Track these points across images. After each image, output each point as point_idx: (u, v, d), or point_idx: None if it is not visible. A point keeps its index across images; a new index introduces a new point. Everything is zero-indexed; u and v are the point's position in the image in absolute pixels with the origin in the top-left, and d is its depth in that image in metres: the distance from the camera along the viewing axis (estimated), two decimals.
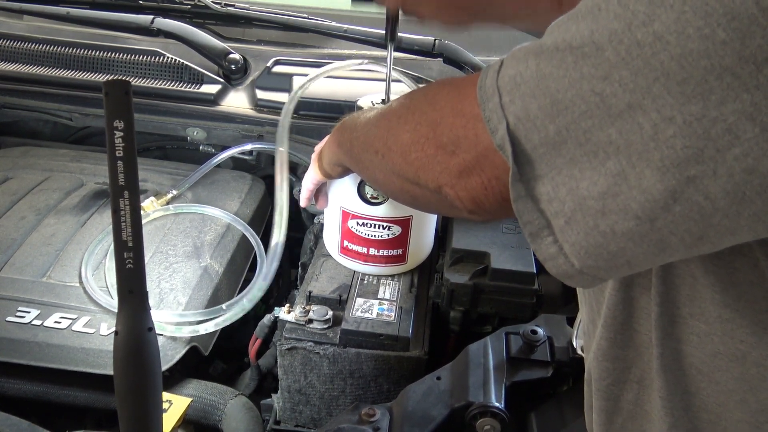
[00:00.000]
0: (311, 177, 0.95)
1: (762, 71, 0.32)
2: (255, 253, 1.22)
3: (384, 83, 1.00)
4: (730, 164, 0.34)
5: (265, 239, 1.18)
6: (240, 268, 1.19)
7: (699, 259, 0.45)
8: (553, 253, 0.43)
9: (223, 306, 1.00)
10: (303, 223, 1.33)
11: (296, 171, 1.41)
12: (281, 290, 1.39)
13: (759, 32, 0.31)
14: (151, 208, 1.18)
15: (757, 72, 0.32)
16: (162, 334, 0.95)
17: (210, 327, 0.97)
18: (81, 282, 1.01)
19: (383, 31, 0.95)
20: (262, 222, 1.33)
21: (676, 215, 0.37)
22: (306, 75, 1.32)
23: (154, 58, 1.39)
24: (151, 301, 0.92)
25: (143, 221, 1.13)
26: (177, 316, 0.98)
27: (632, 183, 0.37)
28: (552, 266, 0.44)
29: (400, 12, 0.91)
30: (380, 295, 1.00)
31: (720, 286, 0.45)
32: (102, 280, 1.03)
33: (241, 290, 1.17)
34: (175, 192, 1.24)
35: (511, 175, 0.43)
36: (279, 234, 0.94)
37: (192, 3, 1.45)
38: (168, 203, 1.22)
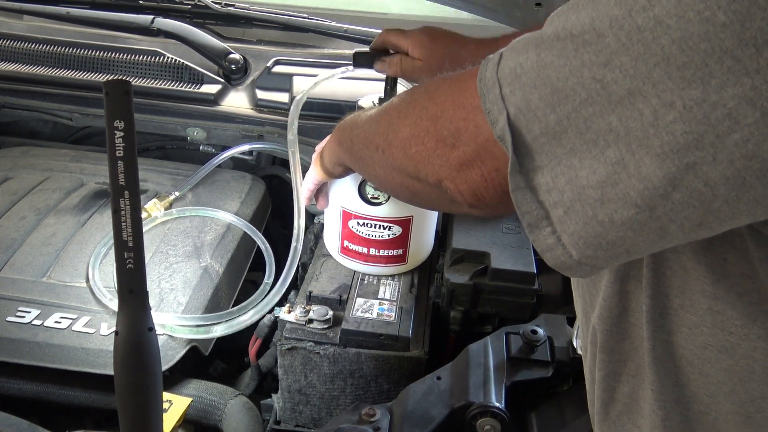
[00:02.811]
0: (312, 177, 0.95)
1: (762, 54, 0.32)
2: (257, 253, 1.23)
3: (384, 84, 1.00)
4: (730, 150, 0.34)
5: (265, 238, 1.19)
6: (240, 268, 1.19)
7: (690, 250, 0.45)
8: (551, 244, 0.43)
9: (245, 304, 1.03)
10: None
11: None
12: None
13: (759, 14, 0.31)
14: (154, 209, 1.17)
15: (758, 55, 0.32)
16: (163, 333, 0.95)
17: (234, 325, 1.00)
18: (87, 282, 1.01)
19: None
20: (262, 222, 1.33)
21: (675, 203, 0.37)
22: (306, 75, 1.33)
23: (154, 58, 1.39)
24: (152, 301, 0.91)
25: (151, 225, 1.14)
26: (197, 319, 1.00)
27: (631, 171, 0.37)
28: (550, 257, 0.44)
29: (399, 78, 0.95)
30: (380, 295, 1.00)
31: (711, 278, 0.45)
32: (107, 281, 1.02)
33: (241, 290, 1.17)
34: (177, 193, 1.24)
35: (510, 165, 0.43)
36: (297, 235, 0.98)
37: (192, 3, 1.45)
38: (171, 204, 1.22)
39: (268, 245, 1.16)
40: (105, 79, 0.78)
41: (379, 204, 0.97)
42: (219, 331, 0.98)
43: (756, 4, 0.31)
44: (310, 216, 1.29)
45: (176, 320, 0.98)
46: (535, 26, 0.44)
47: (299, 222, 1.02)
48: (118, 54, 1.41)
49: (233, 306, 1.12)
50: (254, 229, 1.20)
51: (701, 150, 0.35)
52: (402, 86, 1.11)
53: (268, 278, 1.08)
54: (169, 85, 1.38)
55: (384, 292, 1.01)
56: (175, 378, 0.96)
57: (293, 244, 1.03)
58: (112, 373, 0.59)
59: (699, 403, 0.50)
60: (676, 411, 0.51)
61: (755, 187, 0.35)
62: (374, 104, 1.01)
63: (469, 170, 0.49)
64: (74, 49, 1.42)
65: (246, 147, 1.33)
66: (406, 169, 0.56)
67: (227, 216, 1.20)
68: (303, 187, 0.98)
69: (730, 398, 0.48)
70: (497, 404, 0.77)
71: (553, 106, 0.40)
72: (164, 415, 0.83)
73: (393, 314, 0.95)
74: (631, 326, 0.53)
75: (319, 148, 0.93)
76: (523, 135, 0.42)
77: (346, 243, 1.03)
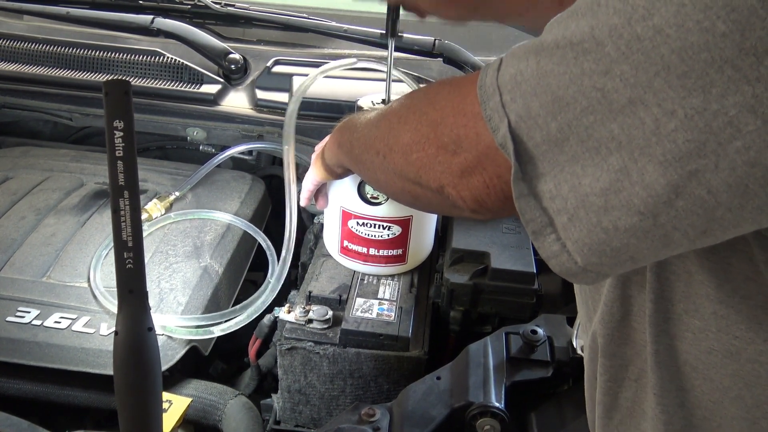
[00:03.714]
0: (311, 177, 0.95)
1: (762, 63, 0.32)
2: (257, 253, 1.22)
3: (384, 83, 1.00)
4: (732, 157, 0.34)
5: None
6: (240, 268, 1.19)
7: (694, 255, 0.45)
8: (556, 251, 0.43)
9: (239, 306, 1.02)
10: (303, 223, 1.32)
11: (297, 171, 1.41)
12: (281, 290, 1.39)
13: (759, 23, 0.31)
14: (154, 210, 1.17)
15: (758, 64, 0.32)
16: (163, 334, 0.95)
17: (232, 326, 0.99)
18: (89, 282, 1.01)
19: (383, 31, 0.95)
20: (262, 222, 1.33)
21: (679, 210, 0.37)
22: (306, 75, 1.32)
23: (154, 58, 1.39)
24: (151, 301, 0.92)
25: (152, 229, 1.14)
26: (194, 320, 0.99)
27: (634, 178, 0.37)
28: (555, 264, 0.44)
29: (401, 8, 0.92)
30: (380, 295, 1.00)
31: (715, 282, 0.45)
32: (108, 282, 1.02)
33: (241, 290, 1.17)
34: (177, 194, 1.24)
35: (513, 173, 0.43)
36: (289, 240, 0.97)
37: (192, 3, 1.45)
38: (171, 205, 1.21)
39: (270, 244, 1.16)
40: (105, 79, 0.78)
41: (379, 204, 0.97)
42: (216, 331, 0.98)
43: (755, 14, 0.31)
44: (310, 216, 1.29)
45: (176, 321, 0.97)
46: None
47: (291, 216, 1.01)
48: (118, 54, 1.41)
49: (233, 306, 1.12)
50: (256, 228, 1.19)
51: (703, 158, 0.35)
52: (404, 88, 1.11)
53: (271, 276, 1.08)
54: (169, 85, 1.38)
55: (384, 292, 1.01)
56: (175, 378, 0.96)
57: (286, 235, 1.03)
58: (111, 373, 0.59)
59: (703, 408, 0.50)
60: (679, 416, 0.51)
61: (758, 194, 0.35)
62: (373, 104, 1.01)
63: (471, 177, 0.49)
64: (74, 49, 1.42)
65: (246, 147, 1.33)
66: (407, 174, 0.56)
67: (228, 218, 1.20)
68: (303, 188, 0.98)
69: (736, 403, 0.48)
70: (497, 404, 0.77)
71: (554, 114, 0.40)
72: (164, 415, 0.83)
73: (393, 314, 0.95)
74: (633, 331, 0.52)
75: (318, 148, 0.93)
76: (525, 142, 0.42)
77: (345, 243, 1.03)
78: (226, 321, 0.99)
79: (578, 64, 0.38)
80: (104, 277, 1.02)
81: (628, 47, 0.35)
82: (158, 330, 0.95)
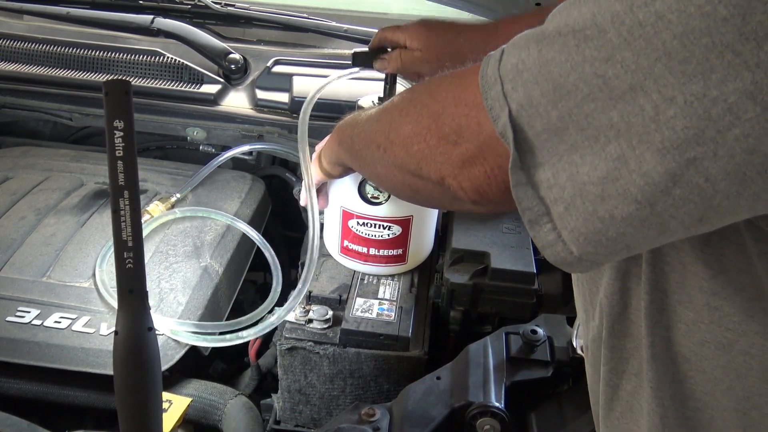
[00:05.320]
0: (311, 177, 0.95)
1: (763, 48, 0.32)
2: (257, 253, 1.22)
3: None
4: (731, 145, 0.34)
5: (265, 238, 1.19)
6: (240, 268, 1.19)
7: (689, 246, 0.46)
8: (552, 240, 0.43)
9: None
10: (303, 223, 1.32)
11: (296, 171, 1.41)
12: (282, 290, 1.38)
13: (760, 8, 0.31)
14: (156, 212, 1.17)
15: (758, 49, 0.32)
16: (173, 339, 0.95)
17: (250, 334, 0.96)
18: (94, 278, 1.01)
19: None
20: (262, 222, 1.33)
21: (676, 198, 0.37)
22: (306, 75, 1.32)
23: (154, 58, 1.39)
24: (151, 301, 0.92)
25: (154, 225, 1.13)
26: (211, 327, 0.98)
27: (632, 167, 0.37)
28: (550, 253, 0.44)
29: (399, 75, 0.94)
30: (380, 295, 1.00)
31: (709, 274, 0.45)
32: (111, 281, 1.02)
33: (241, 290, 1.17)
34: (178, 195, 1.23)
35: (512, 162, 0.43)
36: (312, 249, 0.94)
37: (192, 3, 1.45)
38: (173, 206, 1.21)
39: (275, 255, 1.15)
40: (105, 79, 0.78)
41: (379, 204, 0.97)
42: (233, 340, 0.96)
43: None
44: None
45: (189, 327, 0.97)
46: (528, 15, 0.44)
47: (314, 241, 0.96)
48: (118, 54, 1.41)
49: (232, 306, 1.12)
50: (264, 241, 1.17)
51: (702, 145, 0.35)
52: (402, 85, 1.11)
53: (278, 285, 1.08)
54: (169, 85, 1.38)
55: (384, 292, 1.01)
56: (175, 378, 0.96)
57: (309, 246, 0.97)
58: (111, 373, 0.59)
59: (696, 400, 0.50)
60: (673, 408, 0.51)
61: (756, 181, 0.35)
62: (374, 104, 1.01)
63: (472, 167, 0.49)
64: (74, 49, 1.42)
65: (246, 147, 1.33)
66: (408, 166, 0.56)
67: (239, 224, 1.19)
68: (303, 187, 0.98)
69: (727, 395, 0.48)
70: (497, 404, 0.77)
71: (554, 102, 0.40)
72: (164, 415, 0.83)
73: (393, 314, 0.95)
74: (632, 324, 0.53)
75: (318, 148, 0.93)
76: (525, 131, 0.42)
77: (345, 243, 1.03)
78: (242, 329, 0.97)
79: (580, 51, 0.38)
80: (107, 276, 1.02)
81: (630, 33, 0.35)
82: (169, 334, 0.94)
